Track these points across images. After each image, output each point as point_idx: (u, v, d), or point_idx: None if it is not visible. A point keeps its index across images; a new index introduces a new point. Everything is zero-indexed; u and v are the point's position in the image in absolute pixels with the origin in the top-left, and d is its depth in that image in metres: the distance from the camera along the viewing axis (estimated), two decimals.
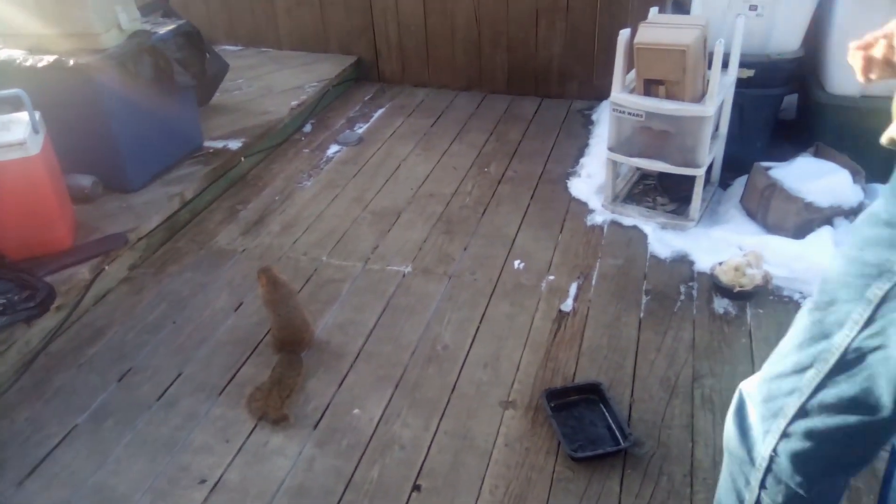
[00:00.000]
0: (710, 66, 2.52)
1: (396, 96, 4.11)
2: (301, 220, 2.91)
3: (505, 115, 3.82)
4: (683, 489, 1.71)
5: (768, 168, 2.64)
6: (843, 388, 1.02)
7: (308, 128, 3.75)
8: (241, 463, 1.82)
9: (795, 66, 2.83)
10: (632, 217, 2.78)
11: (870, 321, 0.96)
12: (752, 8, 2.74)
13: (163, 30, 2.89)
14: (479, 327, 2.27)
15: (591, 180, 3.06)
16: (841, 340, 1.00)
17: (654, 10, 2.81)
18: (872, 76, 1.01)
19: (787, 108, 3.22)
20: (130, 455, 1.85)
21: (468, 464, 1.80)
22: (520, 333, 2.23)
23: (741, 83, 2.75)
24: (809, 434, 1.09)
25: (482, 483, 1.75)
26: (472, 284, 2.47)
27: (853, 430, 1.06)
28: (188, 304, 2.42)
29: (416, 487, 1.74)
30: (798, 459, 1.12)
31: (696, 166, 2.58)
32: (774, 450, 1.14)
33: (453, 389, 2.03)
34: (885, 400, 0.98)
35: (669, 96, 2.55)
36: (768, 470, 1.16)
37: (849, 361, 1.00)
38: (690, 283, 2.42)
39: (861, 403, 1.02)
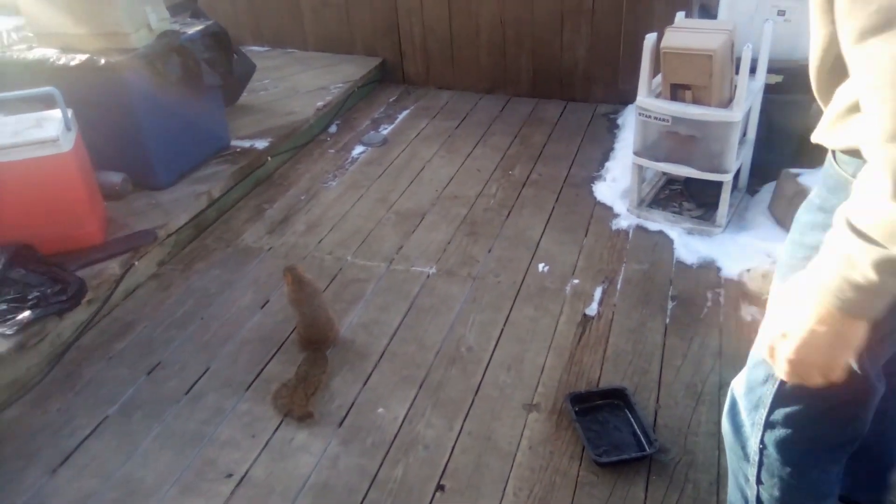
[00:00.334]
0: (737, 72, 2.51)
1: (421, 98, 4.13)
2: (326, 219, 2.93)
3: (529, 118, 3.82)
4: (709, 497, 1.70)
5: (797, 175, 2.62)
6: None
7: (333, 128, 3.78)
8: (267, 458, 1.84)
9: None
10: (657, 222, 2.77)
11: None
12: (781, 13, 2.72)
13: (191, 30, 2.93)
14: (502, 330, 2.27)
15: (615, 184, 3.05)
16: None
17: (680, 15, 2.80)
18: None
19: (816, 114, 3.18)
20: (158, 448, 1.88)
21: (492, 465, 1.81)
22: (544, 337, 2.23)
23: (769, 89, 2.73)
24: (789, 419, 1.13)
25: (505, 485, 1.75)
26: (496, 287, 2.48)
27: (832, 411, 1.10)
28: (215, 300, 2.45)
29: (440, 487, 1.75)
30: (784, 448, 1.15)
31: (724, 172, 2.57)
32: (762, 441, 1.17)
33: (477, 391, 2.04)
34: (848, 377, 1.00)
35: (696, 101, 2.54)
36: (760, 464, 1.19)
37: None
38: (717, 290, 2.41)
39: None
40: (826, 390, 0.99)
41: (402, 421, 1.95)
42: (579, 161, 3.34)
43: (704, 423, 1.89)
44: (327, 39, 4.41)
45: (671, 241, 2.66)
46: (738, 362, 2.07)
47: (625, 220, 2.82)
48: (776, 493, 1.20)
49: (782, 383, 1.09)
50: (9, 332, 2.06)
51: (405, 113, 3.94)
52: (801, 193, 2.52)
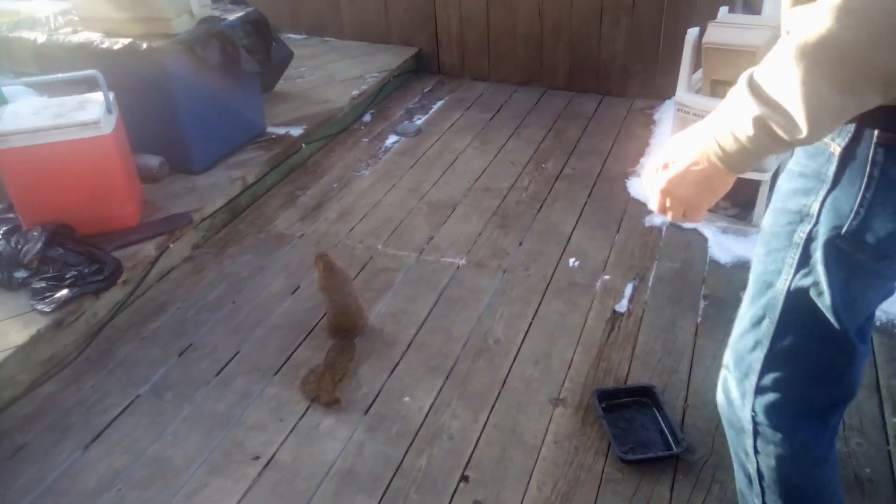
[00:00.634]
0: None
1: (455, 89, 4.12)
2: (358, 208, 2.94)
3: (564, 111, 3.79)
4: (736, 499, 1.67)
5: None
6: (797, 330, 1.11)
7: (367, 117, 3.79)
8: (294, 443, 1.86)
9: None
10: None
11: (801, 263, 1.05)
12: None
13: (231, 16, 2.95)
14: (531, 323, 2.26)
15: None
16: (782, 285, 1.09)
17: (723, 10, 2.75)
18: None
19: None
20: (188, 428, 1.91)
21: (516, 458, 1.80)
22: (572, 332, 2.22)
23: None
24: (778, 384, 1.16)
25: (530, 478, 1.75)
26: (526, 280, 2.47)
27: (819, 372, 1.14)
28: (247, 285, 2.48)
29: (464, 478, 1.75)
30: (774, 413, 1.18)
31: (762, 170, 2.51)
32: (753, 409, 1.20)
33: (503, 384, 2.04)
34: (832, 332, 1.07)
35: None
36: (755, 434, 1.21)
37: (793, 303, 1.09)
38: None
39: (813, 341, 1.11)
40: (813, 353, 1.11)
41: (428, 411, 1.95)
42: (614, 156, 3.30)
43: None
44: (364, 28, 4.42)
45: (705, 240, 2.62)
46: None
47: (658, 217, 2.79)
48: (772, 462, 1.22)
49: (770, 352, 1.14)
50: (47, 309, 2.12)
51: (439, 103, 3.93)
52: None
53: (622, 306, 2.32)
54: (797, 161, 1.06)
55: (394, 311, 2.34)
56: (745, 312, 1.19)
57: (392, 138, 3.55)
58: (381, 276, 2.51)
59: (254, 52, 3.00)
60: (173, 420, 1.94)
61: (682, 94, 2.58)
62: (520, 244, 2.67)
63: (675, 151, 1.00)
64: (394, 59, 4.15)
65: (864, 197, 0.95)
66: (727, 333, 2.16)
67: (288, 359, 2.15)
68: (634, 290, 2.40)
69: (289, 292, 2.44)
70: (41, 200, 2.37)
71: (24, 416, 1.96)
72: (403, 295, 2.41)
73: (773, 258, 1.10)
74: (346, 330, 2.18)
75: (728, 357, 1.26)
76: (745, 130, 0.87)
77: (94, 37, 2.74)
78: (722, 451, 1.79)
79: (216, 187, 2.84)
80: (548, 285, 2.44)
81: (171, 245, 2.55)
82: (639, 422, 1.89)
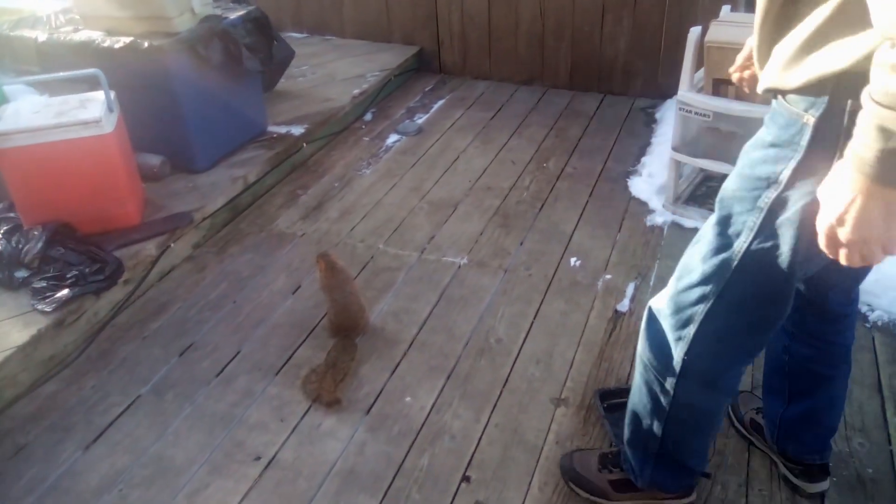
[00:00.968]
0: None
1: (457, 88, 4.11)
2: (359, 207, 2.94)
3: (566, 110, 3.79)
4: (738, 499, 1.67)
5: None
6: (745, 287, 1.21)
7: (369, 116, 3.79)
8: (295, 442, 1.86)
9: None
10: (693, 219, 2.72)
11: (763, 226, 1.13)
12: None
13: (233, 15, 2.95)
14: (532, 323, 2.26)
15: (652, 180, 3.01)
16: (739, 246, 1.18)
17: (726, 9, 2.74)
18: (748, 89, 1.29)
19: None
20: (189, 428, 1.91)
21: (518, 458, 1.80)
22: (574, 331, 2.22)
23: None
24: (716, 333, 1.28)
25: (531, 479, 1.74)
26: (527, 279, 2.46)
27: (756, 322, 1.27)
28: (248, 284, 2.47)
29: (466, 478, 1.75)
30: (708, 358, 1.31)
31: None
32: (686, 354, 1.31)
33: (505, 383, 2.03)
34: (777, 289, 1.19)
35: (739, 97, 2.48)
36: (682, 374, 1.34)
37: (748, 264, 1.18)
38: None
39: (757, 298, 1.22)
40: (754, 308, 1.23)
41: (430, 410, 1.95)
42: (615, 155, 3.30)
43: (735, 425, 1.86)
44: (366, 27, 4.41)
45: None
46: None
47: (660, 216, 2.78)
48: (690, 398, 1.38)
49: (714, 306, 1.24)
50: (48, 309, 2.11)
51: (441, 102, 3.93)
52: None
53: (624, 306, 2.32)
54: (768, 131, 1.12)
55: (395, 311, 2.33)
56: (694, 269, 1.27)
57: (393, 137, 3.54)
58: (383, 276, 2.51)
59: (255, 50, 2.99)
60: (174, 420, 1.94)
61: (685, 93, 2.57)
62: (521, 243, 2.67)
63: (837, 208, 0.93)
64: (395, 58, 4.15)
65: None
66: None
67: (289, 358, 2.15)
68: (636, 289, 2.39)
69: (290, 292, 2.44)
70: (42, 199, 2.37)
71: (25, 416, 1.96)
72: (405, 294, 2.41)
73: (734, 220, 1.18)
74: (347, 329, 2.17)
75: (664, 304, 1.35)
76: (883, 137, 0.84)
77: (95, 35, 2.74)
78: (724, 452, 1.79)
79: (217, 186, 2.84)
80: (549, 285, 2.43)
81: (173, 244, 2.55)
82: None
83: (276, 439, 1.87)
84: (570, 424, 1.89)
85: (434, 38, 4.24)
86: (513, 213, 2.87)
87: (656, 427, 1.45)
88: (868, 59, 0.88)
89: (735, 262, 1.19)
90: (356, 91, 3.73)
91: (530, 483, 1.73)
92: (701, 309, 1.27)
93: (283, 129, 3.31)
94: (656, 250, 2.59)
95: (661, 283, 2.40)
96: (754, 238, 1.15)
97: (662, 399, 1.41)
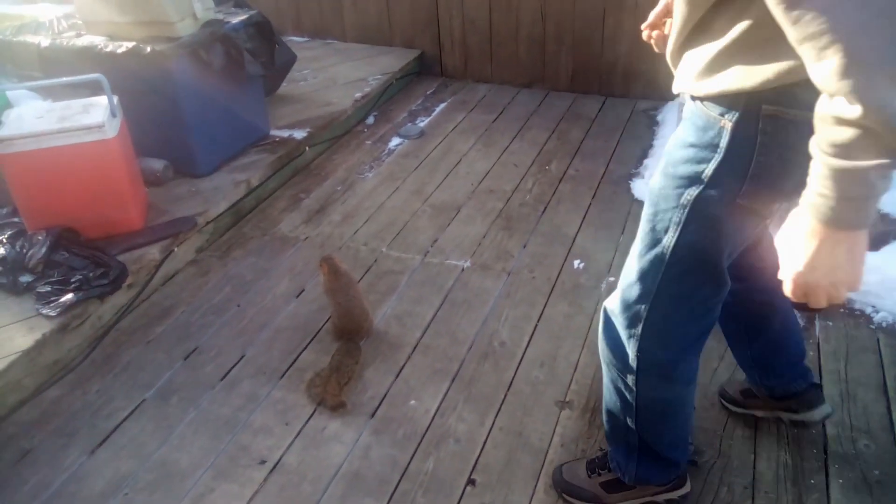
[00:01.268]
0: None
1: (458, 91, 4.12)
2: (362, 210, 2.94)
3: (567, 113, 3.79)
4: (744, 501, 1.67)
5: None
6: (680, 277, 1.27)
7: (371, 120, 3.79)
8: (300, 446, 1.86)
9: None
10: None
11: (688, 221, 1.20)
12: None
13: (235, 19, 2.95)
14: (536, 326, 2.26)
15: None
16: (668, 241, 1.24)
17: None
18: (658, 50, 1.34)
19: None
20: (193, 432, 1.91)
21: (523, 462, 1.80)
22: (578, 334, 2.22)
23: None
24: (661, 325, 1.34)
25: (537, 482, 1.74)
26: (531, 282, 2.46)
27: (696, 308, 1.32)
28: (251, 288, 2.47)
29: (471, 482, 1.75)
30: (658, 350, 1.36)
31: None
32: (639, 349, 1.37)
33: (509, 386, 2.03)
34: (709, 276, 1.27)
35: None
36: (639, 369, 1.39)
37: (679, 257, 1.24)
38: None
39: (693, 286, 1.29)
40: (691, 296, 1.30)
41: (434, 414, 1.95)
42: (617, 157, 3.30)
43: (741, 427, 1.86)
44: (367, 31, 4.42)
45: None
46: None
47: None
48: (652, 392, 1.42)
49: (656, 299, 1.30)
50: (52, 313, 2.11)
51: (442, 106, 3.93)
52: None
53: None
54: (688, 133, 1.18)
55: (399, 314, 2.33)
56: (633, 266, 1.33)
57: (395, 141, 3.55)
58: (386, 279, 2.51)
59: (257, 55, 3.00)
60: (179, 424, 1.94)
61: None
62: (524, 246, 2.67)
63: (807, 259, 0.95)
64: (396, 62, 4.15)
65: (757, 161, 1.09)
66: None
67: (293, 362, 2.15)
68: None
69: (294, 295, 2.44)
70: (46, 204, 2.37)
71: (29, 421, 1.96)
72: (408, 297, 2.41)
73: (660, 217, 1.24)
74: (351, 333, 2.17)
75: (615, 304, 1.41)
76: (860, 183, 0.87)
77: (97, 40, 2.75)
78: (729, 454, 1.78)
79: (220, 190, 2.84)
80: (553, 287, 2.43)
81: (176, 248, 2.55)
82: None
83: (280, 443, 1.87)
84: (574, 427, 1.89)
85: (435, 41, 4.25)
86: (516, 215, 2.87)
87: (630, 422, 1.49)
88: (779, 78, 0.98)
89: (667, 257, 1.25)
90: (358, 95, 3.74)
91: (535, 486, 1.73)
92: (644, 305, 1.33)
93: (285, 133, 3.31)
94: None
95: None
96: (681, 233, 1.22)
97: (628, 396, 1.45)
